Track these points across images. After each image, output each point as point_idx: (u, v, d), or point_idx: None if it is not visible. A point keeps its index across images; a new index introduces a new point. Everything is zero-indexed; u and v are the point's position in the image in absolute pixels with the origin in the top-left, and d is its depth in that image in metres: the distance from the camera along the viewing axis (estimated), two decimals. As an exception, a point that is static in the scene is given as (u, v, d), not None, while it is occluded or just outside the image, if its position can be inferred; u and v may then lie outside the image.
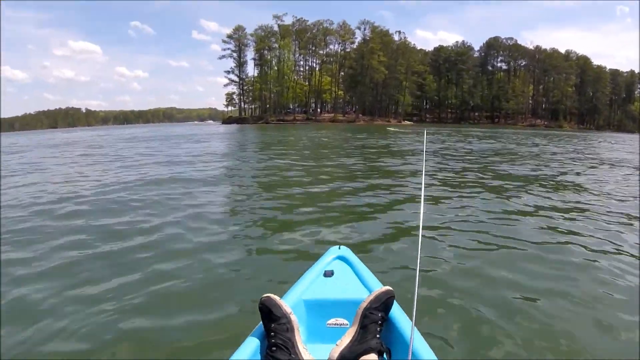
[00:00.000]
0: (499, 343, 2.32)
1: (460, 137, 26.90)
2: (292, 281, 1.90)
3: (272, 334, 1.44)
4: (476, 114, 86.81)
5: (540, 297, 2.87)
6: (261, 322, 1.54)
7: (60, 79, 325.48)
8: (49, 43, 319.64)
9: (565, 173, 9.90)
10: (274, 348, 1.39)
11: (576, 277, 3.28)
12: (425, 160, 3.97)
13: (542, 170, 10.26)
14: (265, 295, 1.54)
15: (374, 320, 1.46)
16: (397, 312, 1.55)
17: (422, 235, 1.60)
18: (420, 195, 1.84)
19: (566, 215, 5.35)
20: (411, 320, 1.35)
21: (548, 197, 6.62)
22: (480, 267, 3.46)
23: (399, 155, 14.29)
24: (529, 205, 5.92)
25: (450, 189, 7.24)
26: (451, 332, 2.41)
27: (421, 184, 1.99)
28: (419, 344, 1.35)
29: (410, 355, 1.20)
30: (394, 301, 1.56)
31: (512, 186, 7.65)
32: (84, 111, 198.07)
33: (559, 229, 4.67)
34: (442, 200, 6.19)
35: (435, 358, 1.31)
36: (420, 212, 1.64)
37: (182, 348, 2.33)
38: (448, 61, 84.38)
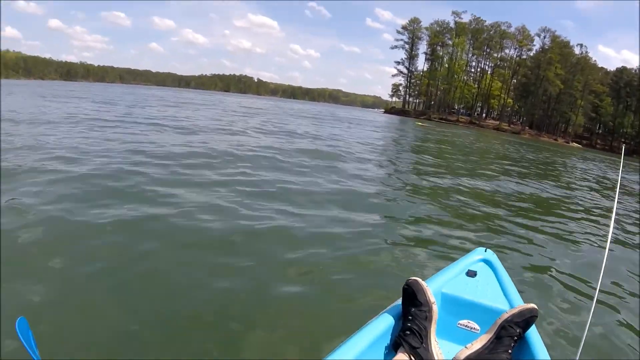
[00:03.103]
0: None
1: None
2: (429, 275, 1.88)
3: (410, 317, 1.44)
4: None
5: None
6: (398, 302, 1.55)
7: (238, 48, 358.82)
8: (230, 14, 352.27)
9: None
10: (408, 332, 1.38)
11: None
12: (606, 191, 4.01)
13: None
14: (413, 278, 1.52)
15: (511, 335, 1.41)
16: (533, 334, 1.48)
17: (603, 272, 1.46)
18: (609, 230, 1.66)
19: None
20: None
21: None
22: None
23: (580, 179, 13.78)
24: None
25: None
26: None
27: (612, 213, 1.75)
28: None
29: None
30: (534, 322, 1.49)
31: None
32: (256, 80, 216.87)
33: None
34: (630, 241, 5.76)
35: None
36: (606, 244, 1.51)
37: (333, 312, 2.64)
38: (630, 85, 75.54)
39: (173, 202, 4.57)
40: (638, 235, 6.21)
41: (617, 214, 7.37)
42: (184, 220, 4.00)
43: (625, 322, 3.01)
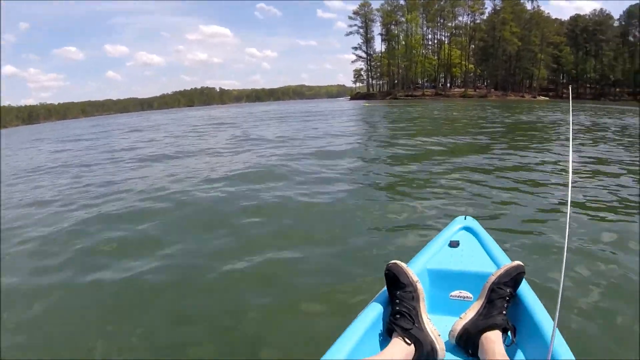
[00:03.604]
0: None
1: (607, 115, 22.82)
2: (416, 250, 1.86)
3: (397, 301, 1.43)
4: (617, 89, 78.25)
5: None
6: (385, 289, 1.53)
7: (195, 61, 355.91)
8: (182, 29, 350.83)
9: None
10: (398, 316, 1.38)
11: None
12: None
13: None
14: (392, 261, 1.51)
15: (502, 296, 1.40)
16: (525, 289, 1.49)
17: (570, 216, 1.38)
18: (568, 168, 1.58)
19: None
20: (553, 318, 1.21)
21: None
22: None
23: (542, 131, 13.61)
24: None
25: (603, 166, 6.83)
26: (590, 330, 2.21)
27: (569, 156, 1.65)
28: (556, 341, 1.20)
29: (549, 356, 1.07)
30: (524, 278, 1.49)
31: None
32: (218, 90, 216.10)
33: None
34: (597, 177, 5.87)
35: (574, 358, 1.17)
36: (568, 192, 1.43)
37: (310, 310, 2.56)
38: (586, 31, 76.19)
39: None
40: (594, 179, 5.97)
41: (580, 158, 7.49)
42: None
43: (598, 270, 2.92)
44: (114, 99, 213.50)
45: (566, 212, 1.41)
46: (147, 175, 7.64)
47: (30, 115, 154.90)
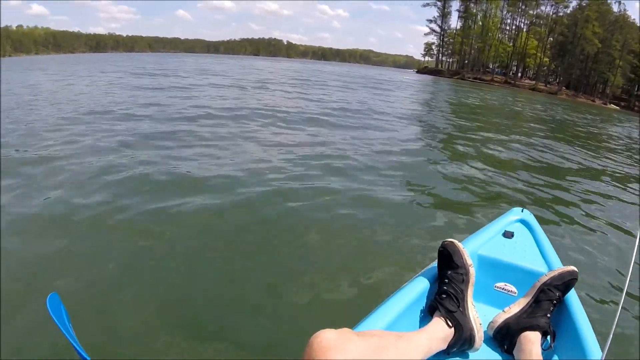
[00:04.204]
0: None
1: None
2: (467, 234, 1.84)
3: (447, 280, 1.41)
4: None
5: None
6: (433, 265, 1.53)
7: (265, 11, 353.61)
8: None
9: None
10: (444, 295, 1.36)
11: None
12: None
13: None
14: (449, 240, 1.49)
15: (550, 298, 1.37)
16: (572, 297, 1.44)
17: None
18: None
19: None
20: (602, 348, 1.11)
21: None
22: None
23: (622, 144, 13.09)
24: None
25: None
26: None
27: None
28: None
29: None
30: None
31: None
32: (285, 43, 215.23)
33: None
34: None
35: None
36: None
37: (367, 274, 2.68)
38: None
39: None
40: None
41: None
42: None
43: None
44: (182, 38, 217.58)
45: (635, 235, 1.33)
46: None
47: (98, 43, 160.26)
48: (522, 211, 2.05)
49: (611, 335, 1.06)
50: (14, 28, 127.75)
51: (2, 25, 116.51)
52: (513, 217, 2.00)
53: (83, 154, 5.30)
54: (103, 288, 2.48)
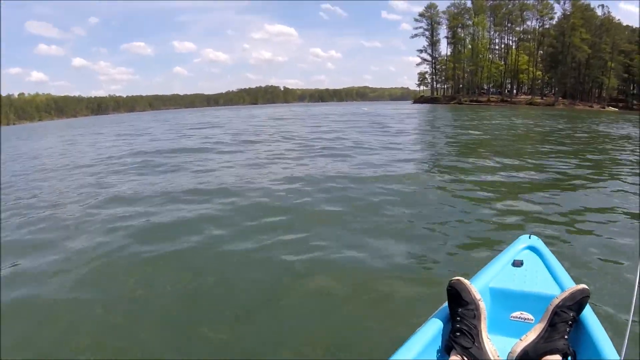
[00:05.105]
0: None
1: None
2: (479, 267, 1.86)
3: (458, 318, 1.43)
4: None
5: None
6: (446, 304, 1.55)
7: (260, 60, 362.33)
8: (247, 28, 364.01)
9: None
10: (458, 333, 1.38)
11: None
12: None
13: None
14: (456, 278, 1.52)
15: (565, 320, 1.38)
16: (588, 314, 1.44)
17: None
18: None
19: None
20: (619, 353, 1.17)
21: None
22: None
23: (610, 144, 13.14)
24: None
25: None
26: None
27: None
28: None
29: None
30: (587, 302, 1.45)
31: None
32: (282, 89, 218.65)
33: None
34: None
35: None
36: None
37: (370, 325, 2.62)
38: None
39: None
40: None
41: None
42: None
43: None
44: (181, 94, 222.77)
45: None
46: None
47: (100, 106, 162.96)
48: (529, 237, 2.07)
49: (624, 349, 1.11)
50: (16, 96, 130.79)
51: (4, 94, 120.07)
52: (521, 245, 2.03)
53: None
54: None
